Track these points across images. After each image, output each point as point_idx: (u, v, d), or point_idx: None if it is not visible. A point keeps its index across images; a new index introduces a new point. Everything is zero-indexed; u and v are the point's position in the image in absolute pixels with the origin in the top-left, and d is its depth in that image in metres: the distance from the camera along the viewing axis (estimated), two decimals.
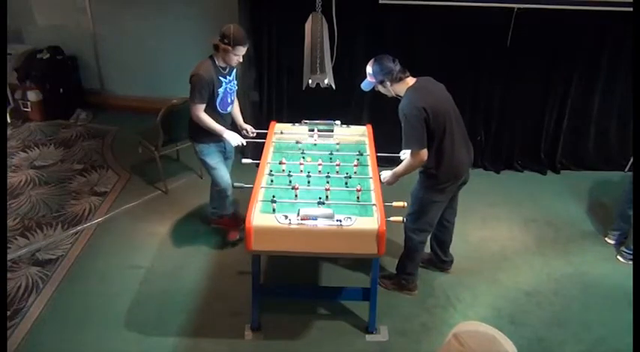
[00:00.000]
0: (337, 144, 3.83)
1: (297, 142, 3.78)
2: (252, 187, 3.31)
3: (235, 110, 4.00)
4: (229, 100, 3.84)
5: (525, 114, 5.12)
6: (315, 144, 3.85)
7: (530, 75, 4.91)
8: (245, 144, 3.79)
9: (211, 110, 3.71)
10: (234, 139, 3.76)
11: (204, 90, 3.60)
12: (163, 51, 5.90)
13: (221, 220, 4.19)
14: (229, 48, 3.54)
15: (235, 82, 3.84)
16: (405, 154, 3.69)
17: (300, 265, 3.84)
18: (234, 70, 3.81)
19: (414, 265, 3.66)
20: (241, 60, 3.66)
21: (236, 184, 3.82)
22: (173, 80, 5.88)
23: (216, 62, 3.65)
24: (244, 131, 3.97)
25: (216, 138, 3.85)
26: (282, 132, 3.97)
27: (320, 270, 3.89)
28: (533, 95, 5.03)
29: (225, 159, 4.02)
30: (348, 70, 4.71)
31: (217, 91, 3.69)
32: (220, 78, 3.68)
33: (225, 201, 4.03)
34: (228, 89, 3.77)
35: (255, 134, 3.96)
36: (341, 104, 4.88)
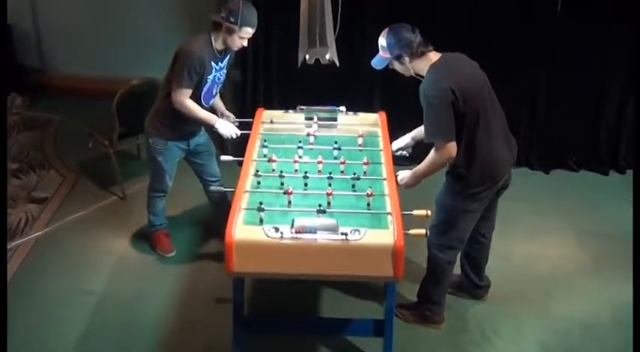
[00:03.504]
0: (360, 135, 3.82)
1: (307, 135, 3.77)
2: (233, 191, 3.30)
3: (215, 97, 4.03)
4: (214, 92, 3.88)
5: (580, 100, 5.11)
6: (315, 137, 3.85)
7: (585, 51, 4.91)
8: (239, 135, 3.83)
9: (192, 100, 3.75)
10: (228, 130, 3.81)
11: (195, 72, 3.64)
12: (120, 20, 5.90)
13: (154, 232, 4.25)
14: (235, 28, 3.58)
15: (225, 71, 3.87)
16: (394, 145, 3.69)
17: (295, 291, 3.83)
18: (228, 56, 3.83)
19: (440, 291, 3.65)
20: (245, 44, 3.69)
21: (213, 188, 3.85)
22: (132, 56, 5.93)
23: (213, 43, 3.67)
24: (225, 119, 3.99)
25: (182, 134, 3.90)
26: (272, 122, 3.97)
27: (320, 298, 3.89)
28: (590, 76, 5.02)
29: (199, 155, 4.05)
30: (356, 42, 4.70)
31: (206, 78, 3.72)
32: (213, 63, 3.71)
33: (159, 205, 4.15)
34: (216, 78, 3.81)
35: (237, 124, 3.99)
36: (347, 86, 4.87)
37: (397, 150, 3.74)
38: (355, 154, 3.67)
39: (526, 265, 4.21)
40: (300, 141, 3.72)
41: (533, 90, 5.11)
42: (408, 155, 3.75)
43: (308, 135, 3.82)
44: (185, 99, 3.69)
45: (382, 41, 3.33)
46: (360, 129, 3.88)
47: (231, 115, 4.05)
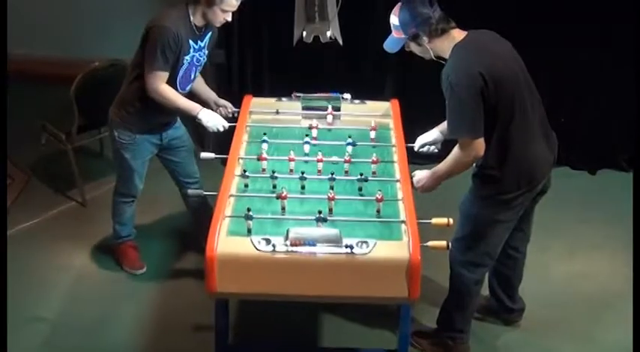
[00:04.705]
0: (372, 128, 3.83)
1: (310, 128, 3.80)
2: (215, 195, 3.30)
3: (200, 83, 4.05)
4: (192, 77, 3.89)
5: (632, 87, 5.09)
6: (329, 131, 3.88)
7: (633, 23, 4.90)
8: (227, 127, 3.84)
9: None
10: (213, 121, 3.80)
11: (170, 51, 3.64)
12: None
13: (120, 244, 4.27)
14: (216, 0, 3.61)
15: (206, 52, 3.89)
16: (420, 140, 3.72)
17: (291, 316, 3.83)
18: (210, 34, 3.84)
19: (464, 316, 3.64)
20: (229, 19, 3.70)
21: (191, 191, 3.84)
22: (94, 34, 5.92)
23: (191, 17, 3.68)
24: (220, 109, 4.01)
25: (154, 126, 3.92)
26: (278, 112, 4.00)
27: (321, 324, 3.89)
28: None
29: (175, 151, 4.07)
30: (363, 16, 4.70)
31: (182, 59, 3.73)
32: (191, 41, 3.72)
33: (126, 212, 4.15)
34: (195, 60, 3.82)
35: (236, 115, 4.00)
36: (352, 68, 4.87)
37: (424, 146, 3.73)
38: (362, 151, 3.67)
39: (568, 284, 4.22)
40: (297, 136, 3.73)
41: (575, 76, 5.11)
42: (437, 151, 3.72)
43: (311, 127, 3.83)
44: (160, 85, 3.69)
45: (394, 19, 3.32)
46: (373, 121, 3.89)
47: (229, 105, 4.05)
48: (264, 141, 3.69)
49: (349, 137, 3.71)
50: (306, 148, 3.67)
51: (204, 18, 3.69)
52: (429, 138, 3.72)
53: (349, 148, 3.66)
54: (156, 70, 3.65)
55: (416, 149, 3.74)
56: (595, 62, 5.07)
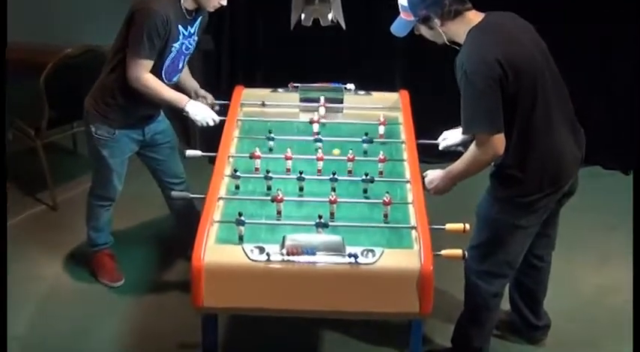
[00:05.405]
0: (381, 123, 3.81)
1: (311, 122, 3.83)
2: (202, 198, 3.31)
3: (183, 73, 4.06)
4: (180, 66, 3.91)
5: None
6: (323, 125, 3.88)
7: None
8: (217, 122, 3.85)
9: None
10: (202, 114, 3.82)
11: (158, 37, 3.64)
12: None
13: (96, 253, 4.27)
14: None
15: (195, 39, 3.90)
16: (447, 139, 3.72)
17: (287, 333, 3.83)
18: (200, 19, 3.85)
19: (482, 333, 3.65)
20: (224, 3, 3.71)
21: (175, 193, 3.85)
22: (66, 18, 5.91)
23: (182, 0, 3.70)
24: (200, 100, 4.02)
25: (135, 120, 3.92)
26: (264, 104, 4.02)
27: (322, 342, 3.90)
28: None
29: (158, 148, 4.08)
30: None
31: (170, 47, 3.74)
32: (180, 27, 3.73)
33: (103, 217, 4.16)
34: (184, 47, 3.83)
35: (217, 108, 4.01)
36: (356, 56, 4.86)
37: (450, 147, 3.71)
38: (367, 148, 3.67)
39: (598, 298, 4.23)
40: (297, 130, 3.76)
41: (604, 65, 5.11)
42: (463, 151, 3.67)
43: (312, 122, 3.84)
44: (144, 74, 3.69)
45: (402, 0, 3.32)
46: (382, 115, 3.89)
47: (209, 96, 4.06)
48: (269, 138, 3.69)
49: (365, 134, 3.69)
50: (316, 145, 3.66)
51: (195, 1, 3.70)
52: (456, 138, 3.68)
53: (365, 146, 3.66)
54: (140, 58, 3.66)
55: (441, 148, 3.72)
56: (629, 57, 5.08)
